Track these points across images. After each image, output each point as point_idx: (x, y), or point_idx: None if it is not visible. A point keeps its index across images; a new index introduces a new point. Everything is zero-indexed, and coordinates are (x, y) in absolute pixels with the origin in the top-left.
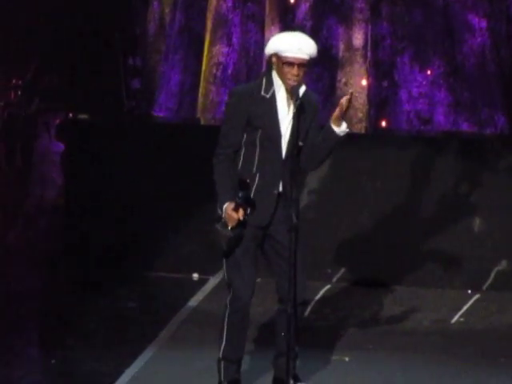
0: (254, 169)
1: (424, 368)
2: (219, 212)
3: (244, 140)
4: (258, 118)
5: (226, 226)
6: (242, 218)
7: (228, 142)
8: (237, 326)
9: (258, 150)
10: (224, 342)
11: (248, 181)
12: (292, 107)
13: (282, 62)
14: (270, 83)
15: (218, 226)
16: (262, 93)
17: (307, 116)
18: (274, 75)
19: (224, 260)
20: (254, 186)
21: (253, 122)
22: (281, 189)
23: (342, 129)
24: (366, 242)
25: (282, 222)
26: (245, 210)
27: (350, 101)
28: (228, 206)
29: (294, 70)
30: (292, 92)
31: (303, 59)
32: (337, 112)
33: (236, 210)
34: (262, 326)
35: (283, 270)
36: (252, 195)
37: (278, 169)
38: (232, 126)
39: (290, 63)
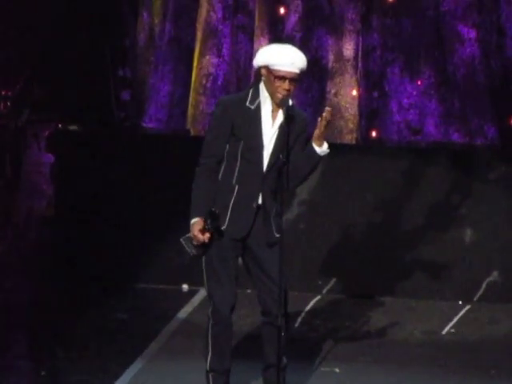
0: (234, 180)
1: (415, 380)
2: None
3: (226, 151)
4: (240, 128)
5: (190, 242)
6: (207, 241)
7: (211, 151)
8: (220, 337)
9: (239, 161)
10: (210, 354)
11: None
12: (277, 121)
13: (273, 76)
14: (256, 95)
15: (183, 240)
16: (247, 104)
17: (293, 132)
18: (262, 87)
19: (204, 272)
20: (233, 198)
21: (236, 132)
22: (260, 202)
23: (323, 149)
24: (357, 253)
25: (261, 235)
26: (211, 236)
27: (326, 119)
28: (196, 225)
29: (286, 85)
30: (281, 104)
31: (295, 73)
32: (316, 131)
33: (203, 232)
34: (252, 336)
35: (263, 283)
36: (230, 207)
37: (258, 182)
38: (216, 136)
39: (282, 77)
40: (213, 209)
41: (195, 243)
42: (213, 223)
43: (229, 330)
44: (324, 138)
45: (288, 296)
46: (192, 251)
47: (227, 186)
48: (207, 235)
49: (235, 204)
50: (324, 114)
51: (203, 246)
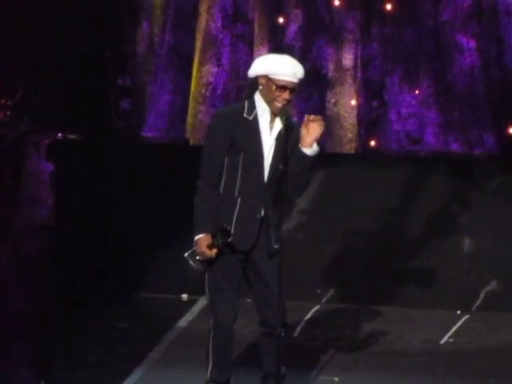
0: (236, 192)
1: None
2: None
3: (226, 163)
4: (240, 140)
5: (195, 256)
6: (214, 256)
7: (212, 164)
8: (221, 349)
9: (240, 173)
10: (210, 365)
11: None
12: (274, 131)
13: (275, 85)
14: (253, 106)
15: (187, 256)
16: (245, 115)
17: (289, 141)
18: (258, 97)
19: (206, 284)
20: (236, 211)
21: (236, 144)
22: (263, 213)
23: (313, 149)
24: (356, 262)
25: (263, 246)
26: (219, 251)
27: (308, 126)
28: (203, 241)
29: (286, 94)
30: (280, 113)
31: (295, 84)
32: (304, 135)
33: (210, 248)
34: (251, 346)
35: (263, 294)
36: (234, 220)
37: (261, 193)
38: (215, 148)
39: (283, 87)
40: (225, 225)
41: (200, 258)
42: (224, 240)
43: (230, 342)
44: (312, 143)
45: (286, 306)
46: (197, 266)
47: (229, 199)
48: (214, 251)
49: (239, 217)
50: (306, 121)
51: (208, 260)
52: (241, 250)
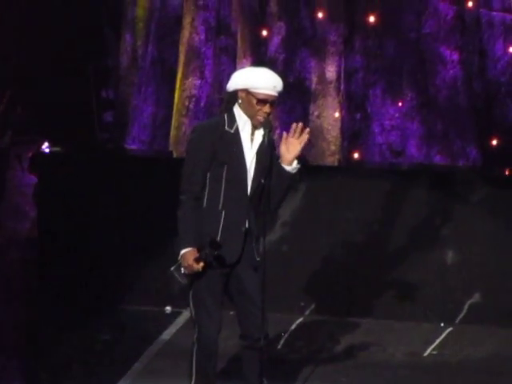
0: (220, 206)
1: None
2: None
3: (209, 176)
4: (223, 153)
5: (180, 270)
6: (200, 270)
7: (194, 178)
8: (205, 362)
9: (223, 186)
10: (194, 378)
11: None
12: (255, 144)
13: (255, 99)
14: (233, 119)
15: (173, 270)
16: (226, 128)
17: (268, 154)
18: (237, 111)
19: (190, 297)
20: (221, 224)
21: (218, 157)
22: (247, 226)
23: (293, 166)
24: (339, 274)
25: (246, 259)
26: (206, 265)
27: (287, 143)
28: (189, 255)
29: (267, 108)
30: (263, 126)
31: (275, 97)
32: (284, 151)
33: (197, 261)
34: (234, 359)
35: (245, 308)
36: (219, 234)
37: (245, 205)
38: (197, 162)
39: (263, 100)
40: (213, 236)
41: (186, 272)
42: (213, 252)
43: (214, 356)
44: (293, 160)
45: (268, 319)
46: (183, 280)
47: (214, 212)
48: (201, 264)
49: (224, 230)
50: (286, 138)
51: (193, 274)
52: (226, 263)
